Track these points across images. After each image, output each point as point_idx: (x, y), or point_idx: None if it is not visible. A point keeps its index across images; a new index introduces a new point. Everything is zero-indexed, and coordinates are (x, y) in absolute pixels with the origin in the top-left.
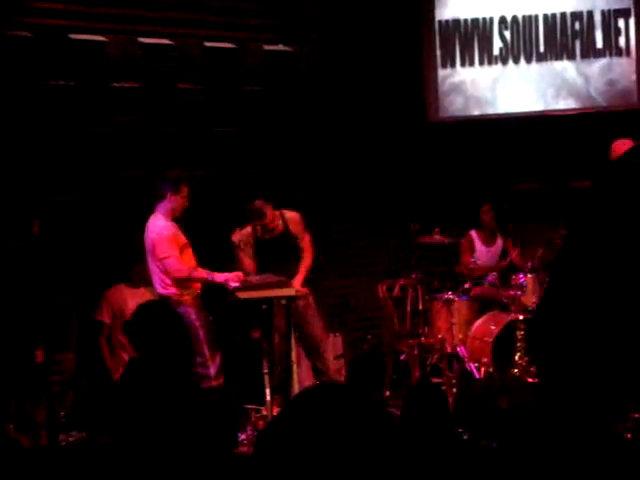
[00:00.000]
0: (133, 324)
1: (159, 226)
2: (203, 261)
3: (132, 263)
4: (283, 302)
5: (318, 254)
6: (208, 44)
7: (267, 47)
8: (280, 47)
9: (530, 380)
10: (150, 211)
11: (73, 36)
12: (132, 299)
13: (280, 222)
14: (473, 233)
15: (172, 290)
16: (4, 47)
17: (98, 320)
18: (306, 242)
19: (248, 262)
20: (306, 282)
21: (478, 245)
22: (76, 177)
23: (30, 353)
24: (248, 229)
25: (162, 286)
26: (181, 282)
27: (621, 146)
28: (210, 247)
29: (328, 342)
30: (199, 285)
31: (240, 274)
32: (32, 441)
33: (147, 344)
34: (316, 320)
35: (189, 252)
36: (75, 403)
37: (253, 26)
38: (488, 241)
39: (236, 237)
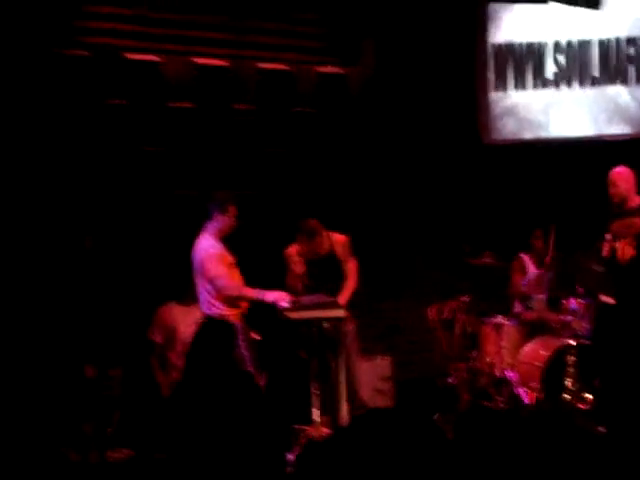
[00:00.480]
0: None
1: (206, 245)
2: (250, 282)
3: (184, 281)
4: (326, 325)
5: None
6: (262, 66)
7: (320, 69)
8: (333, 69)
9: (581, 406)
10: (200, 229)
11: (129, 56)
12: (183, 318)
13: (327, 244)
14: (524, 256)
15: (216, 310)
16: (62, 66)
17: (150, 339)
18: (351, 267)
19: (296, 278)
20: (350, 307)
21: (530, 267)
22: (130, 195)
23: (80, 368)
24: (296, 247)
25: (207, 306)
26: (230, 301)
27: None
28: (258, 268)
29: (372, 365)
30: (246, 304)
31: (287, 295)
32: (81, 457)
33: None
34: (354, 347)
35: (236, 272)
36: (123, 420)
37: (307, 48)
38: (539, 265)
39: (286, 253)
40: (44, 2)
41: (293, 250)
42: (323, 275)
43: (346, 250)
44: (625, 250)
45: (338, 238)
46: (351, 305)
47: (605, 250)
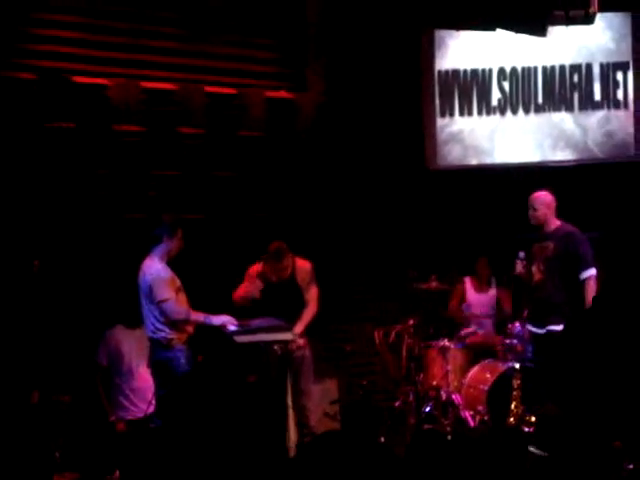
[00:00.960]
0: None
1: (156, 268)
2: (196, 305)
3: (131, 304)
4: (278, 352)
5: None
6: (209, 89)
7: (269, 94)
8: (283, 94)
9: (526, 429)
10: (145, 253)
11: (76, 79)
12: (128, 341)
13: (290, 269)
14: (467, 280)
15: (162, 334)
16: (6, 89)
17: (95, 362)
18: (312, 294)
19: (245, 294)
20: (304, 334)
21: (470, 293)
22: (78, 218)
23: (27, 394)
24: (258, 266)
25: (152, 330)
26: (177, 324)
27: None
28: (204, 291)
29: (321, 389)
30: (192, 328)
31: (233, 318)
32: None
33: None
34: (308, 375)
35: (183, 296)
36: (69, 444)
37: (256, 73)
38: (481, 289)
39: (249, 270)
40: None
41: (254, 269)
42: (279, 299)
43: (309, 277)
44: (535, 273)
45: (302, 264)
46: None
47: (517, 269)
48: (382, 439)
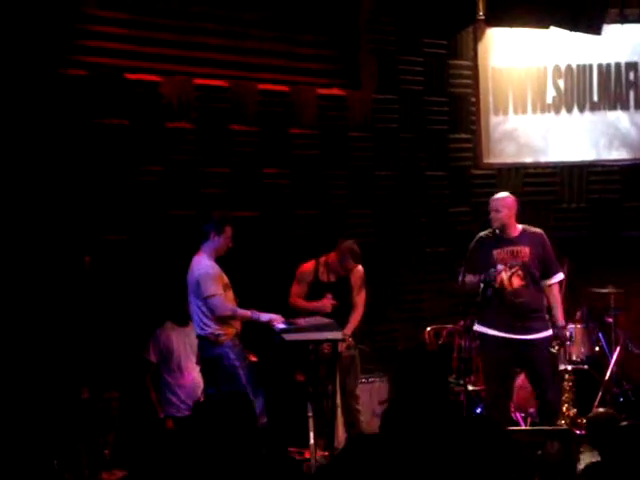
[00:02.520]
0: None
1: (204, 265)
2: (243, 304)
3: (182, 302)
4: (326, 351)
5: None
6: (262, 86)
7: (321, 91)
8: (334, 91)
9: (577, 432)
10: (195, 250)
11: (129, 76)
12: (177, 337)
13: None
14: None
15: (209, 330)
16: (60, 85)
17: (145, 358)
18: (361, 298)
19: (297, 296)
20: (353, 333)
21: None
22: (128, 215)
23: (77, 390)
24: (310, 265)
25: (200, 327)
26: (222, 321)
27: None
28: (253, 290)
29: (370, 389)
30: (239, 325)
31: (281, 317)
32: (75, 478)
33: None
34: (356, 375)
35: (231, 293)
36: (119, 441)
37: (307, 70)
38: None
39: (300, 269)
40: (45, 21)
41: (308, 267)
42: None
43: (361, 280)
44: (513, 279)
45: (357, 268)
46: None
47: (499, 280)
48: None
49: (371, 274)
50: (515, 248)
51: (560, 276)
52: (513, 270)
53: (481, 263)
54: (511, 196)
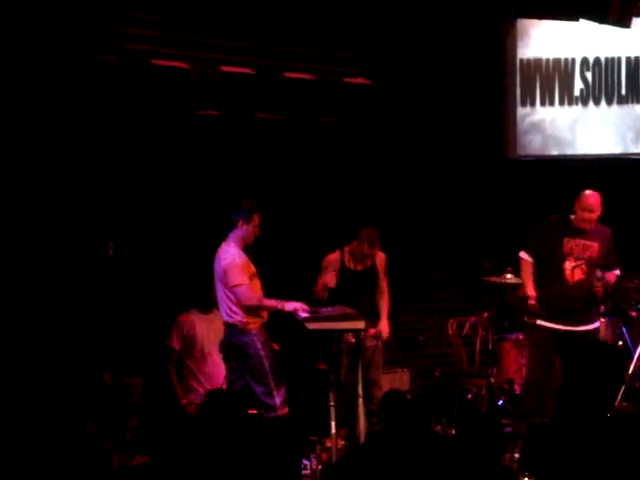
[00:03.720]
0: None
1: (231, 253)
2: (270, 293)
3: (206, 289)
4: (351, 340)
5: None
6: (289, 75)
7: (347, 80)
8: (360, 80)
9: None
10: (222, 239)
11: (156, 62)
12: (201, 325)
13: (371, 258)
14: None
15: (238, 318)
16: (89, 70)
17: (168, 345)
18: (385, 284)
19: (326, 281)
20: (377, 322)
21: None
22: (153, 201)
23: (100, 376)
24: (336, 254)
25: (228, 314)
26: (250, 310)
27: None
28: (279, 279)
29: (392, 379)
30: (266, 314)
31: (306, 305)
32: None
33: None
34: (379, 365)
35: (257, 282)
36: (141, 427)
37: (334, 58)
38: None
39: (326, 259)
40: (77, 8)
41: (334, 257)
42: (356, 288)
43: (385, 267)
44: (575, 272)
45: (380, 254)
46: (374, 319)
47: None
48: (453, 431)
49: (395, 264)
50: (587, 242)
51: (616, 272)
52: (578, 263)
53: (547, 247)
54: (598, 194)
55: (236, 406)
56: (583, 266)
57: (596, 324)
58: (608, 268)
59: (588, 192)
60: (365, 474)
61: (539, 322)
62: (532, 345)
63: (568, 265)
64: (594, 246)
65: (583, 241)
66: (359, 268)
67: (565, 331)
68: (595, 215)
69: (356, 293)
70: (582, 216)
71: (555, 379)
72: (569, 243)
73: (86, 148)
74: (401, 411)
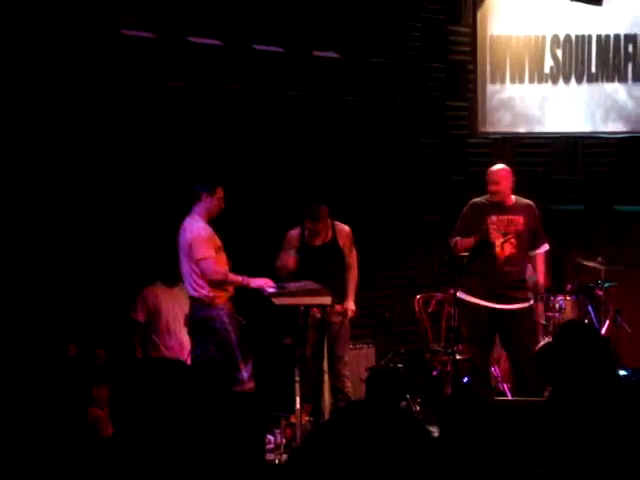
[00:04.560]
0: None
1: (196, 227)
2: (236, 266)
3: (171, 262)
4: (318, 316)
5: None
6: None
7: (316, 53)
8: (330, 54)
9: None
10: (187, 212)
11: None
12: (166, 298)
13: (330, 232)
14: None
15: (203, 292)
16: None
17: (133, 318)
18: (353, 258)
19: (285, 262)
20: (343, 298)
21: None
22: (118, 172)
23: (64, 348)
24: (297, 230)
25: (194, 288)
26: (215, 284)
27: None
28: (244, 252)
29: (357, 355)
30: (232, 288)
31: (272, 281)
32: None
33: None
34: (345, 341)
35: (223, 256)
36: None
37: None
38: None
39: (286, 236)
40: None
41: (294, 233)
42: (320, 263)
43: (350, 240)
44: (505, 246)
45: (341, 228)
46: (340, 295)
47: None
48: (418, 408)
49: (363, 240)
50: (510, 217)
51: (545, 247)
52: (507, 237)
53: (474, 229)
54: (507, 167)
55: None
56: (512, 240)
57: (529, 302)
58: (536, 243)
59: (494, 166)
60: (331, 452)
61: (473, 300)
62: (468, 324)
63: (497, 242)
64: (519, 219)
65: (506, 216)
66: (317, 243)
67: (499, 310)
68: (501, 187)
69: (317, 268)
70: (489, 189)
71: (502, 367)
72: (494, 221)
73: (53, 117)
74: (389, 387)
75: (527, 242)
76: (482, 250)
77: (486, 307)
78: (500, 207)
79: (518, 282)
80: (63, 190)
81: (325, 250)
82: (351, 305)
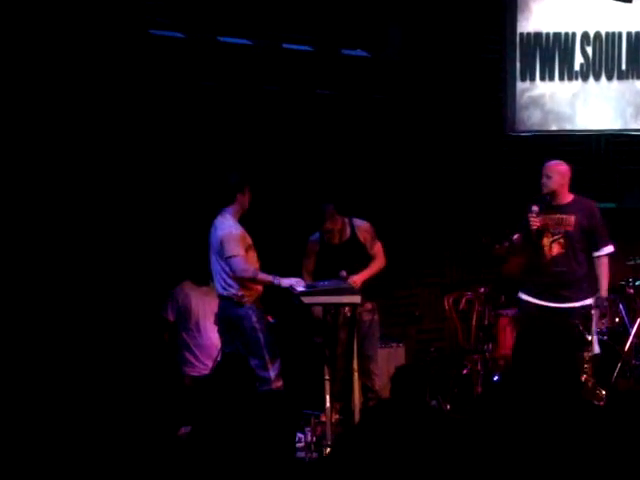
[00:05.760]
0: None
1: (227, 225)
2: (266, 264)
3: (200, 262)
4: (348, 314)
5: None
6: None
7: (345, 51)
8: (358, 52)
9: (595, 403)
10: (217, 210)
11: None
12: (196, 297)
13: (348, 230)
14: None
15: (232, 291)
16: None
17: (162, 317)
18: (377, 249)
19: (307, 268)
20: (373, 296)
21: None
22: (149, 172)
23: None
24: (316, 235)
25: (223, 287)
26: (244, 283)
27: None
28: (273, 252)
29: (387, 353)
30: (261, 287)
31: (302, 280)
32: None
33: None
34: (375, 339)
35: (253, 254)
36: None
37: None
38: None
39: (308, 242)
40: None
41: (313, 238)
42: (346, 260)
43: (370, 234)
44: (553, 247)
45: (360, 224)
46: (370, 293)
47: (535, 223)
48: (448, 407)
49: (393, 240)
50: (562, 216)
51: (609, 249)
52: (555, 237)
53: (526, 226)
54: (564, 163)
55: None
56: (561, 240)
57: (584, 301)
58: (597, 245)
59: (550, 161)
60: (366, 453)
61: (524, 297)
62: (518, 319)
63: (546, 241)
64: (570, 219)
65: (558, 215)
66: (335, 242)
67: (549, 307)
68: (552, 182)
69: (340, 267)
70: (542, 183)
71: None
72: (544, 219)
73: (84, 117)
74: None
75: (580, 243)
76: (526, 246)
77: (539, 305)
78: (553, 206)
79: (569, 283)
80: (96, 190)
81: (345, 248)
82: (359, 277)
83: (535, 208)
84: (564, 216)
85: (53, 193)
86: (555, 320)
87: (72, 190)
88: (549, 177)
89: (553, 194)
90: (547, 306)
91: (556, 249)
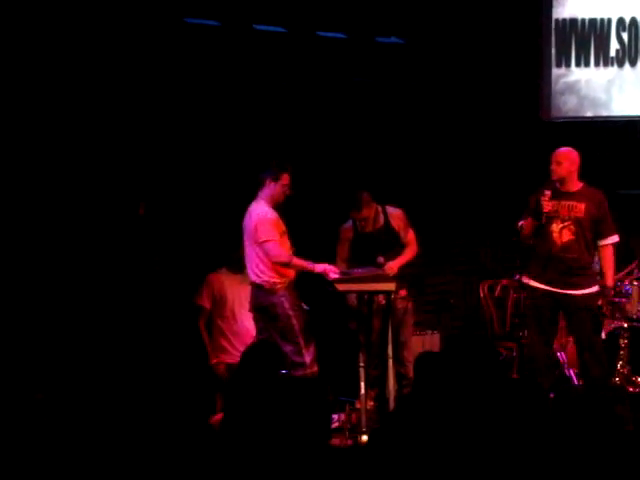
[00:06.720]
0: None
1: (262, 210)
2: (298, 252)
3: (236, 249)
4: (382, 302)
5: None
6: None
7: (378, 39)
8: (392, 39)
9: (631, 389)
10: (252, 197)
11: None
12: (231, 284)
13: (382, 217)
14: None
15: (265, 278)
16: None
17: (198, 304)
18: (410, 237)
19: (341, 255)
20: (407, 284)
21: None
22: (184, 161)
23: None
24: (349, 223)
25: (256, 274)
26: (277, 269)
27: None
28: (307, 239)
29: (422, 341)
30: (293, 273)
31: (336, 267)
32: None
33: None
34: (409, 326)
35: (287, 241)
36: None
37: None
38: None
39: (341, 230)
40: None
41: (347, 226)
42: (380, 248)
43: (403, 221)
44: (563, 233)
45: (393, 211)
46: (404, 280)
47: (548, 207)
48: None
49: (426, 228)
50: (571, 203)
51: (615, 238)
52: (565, 224)
53: (536, 211)
54: (574, 150)
55: (276, 357)
56: (571, 226)
57: (593, 288)
58: (603, 233)
59: (560, 148)
60: (402, 442)
61: (532, 283)
62: (528, 306)
63: (555, 227)
64: (580, 207)
65: (568, 202)
66: (369, 230)
67: (561, 294)
68: (562, 168)
69: (374, 255)
70: (551, 169)
71: (569, 352)
72: (554, 206)
73: (122, 106)
74: (436, 372)
75: (589, 231)
76: (537, 232)
77: (547, 291)
78: (563, 192)
79: (579, 269)
80: (131, 179)
81: (379, 235)
82: (393, 264)
83: (548, 192)
84: (574, 203)
85: (94, 182)
86: (570, 305)
87: (110, 177)
88: (559, 163)
89: (562, 181)
90: (558, 292)
91: (566, 235)
